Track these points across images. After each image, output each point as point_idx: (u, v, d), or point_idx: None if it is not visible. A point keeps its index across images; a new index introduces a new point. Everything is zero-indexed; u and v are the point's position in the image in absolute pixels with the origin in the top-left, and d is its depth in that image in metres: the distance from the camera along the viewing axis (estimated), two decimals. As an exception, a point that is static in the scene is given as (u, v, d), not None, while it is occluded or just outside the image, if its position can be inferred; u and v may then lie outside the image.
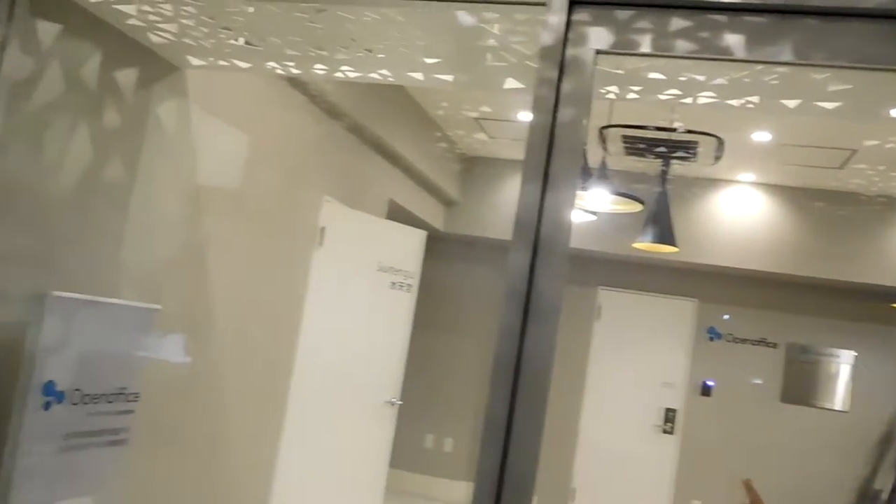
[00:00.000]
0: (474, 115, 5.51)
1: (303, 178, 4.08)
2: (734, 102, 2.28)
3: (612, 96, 2.39)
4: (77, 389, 2.26)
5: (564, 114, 1.64)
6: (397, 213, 5.46)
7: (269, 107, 3.61)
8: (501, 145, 6.28)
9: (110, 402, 2.41)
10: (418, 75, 2.52)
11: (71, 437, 2.27)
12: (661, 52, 1.65)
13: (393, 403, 4.86)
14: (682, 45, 1.65)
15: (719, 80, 2.14)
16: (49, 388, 2.15)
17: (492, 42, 2.16)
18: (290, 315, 4.10)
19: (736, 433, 6.57)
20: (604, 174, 4.06)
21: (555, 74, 1.63)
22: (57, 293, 2.16)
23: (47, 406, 2.16)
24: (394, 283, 4.85)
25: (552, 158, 1.63)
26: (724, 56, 1.65)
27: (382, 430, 4.85)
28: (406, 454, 6.33)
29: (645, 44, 1.65)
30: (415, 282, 4.99)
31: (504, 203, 6.43)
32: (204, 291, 3.28)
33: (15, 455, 2.07)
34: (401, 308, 4.92)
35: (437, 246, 5.75)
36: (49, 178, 2.29)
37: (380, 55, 2.38)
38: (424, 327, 5.58)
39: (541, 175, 1.61)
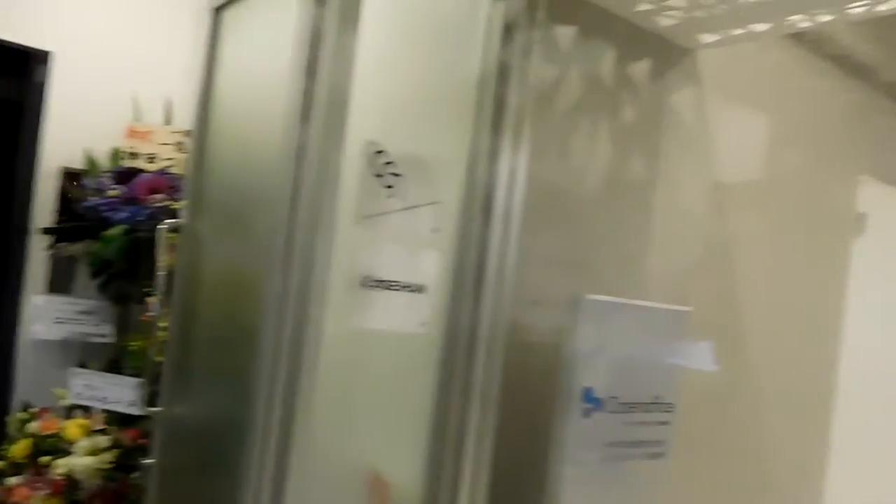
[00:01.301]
0: None
1: (833, 157, 3.48)
2: None
3: None
4: (614, 397, 2.18)
5: None
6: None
7: (787, 79, 3.15)
8: None
9: (646, 411, 2.29)
10: None
11: (610, 446, 2.20)
12: None
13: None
14: None
15: None
16: (588, 395, 2.12)
17: None
18: (829, 316, 3.53)
19: None
20: None
21: None
22: (591, 296, 2.12)
23: (587, 413, 2.12)
24: (963, 275, 3.84)
25: None
26: None
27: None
28: None
29: None
30: None
31: None
32: (730, 292, 2.99)
33: (562, 462, 2.07)
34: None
35: None
36: (576, 181, 2.29)
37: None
38: None
39: None
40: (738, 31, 2.38)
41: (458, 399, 1.94)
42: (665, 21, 2.34)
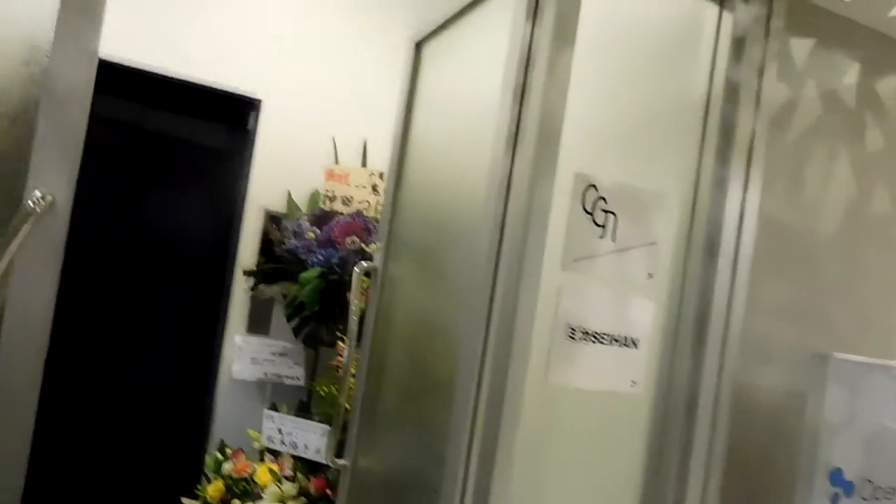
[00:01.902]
0: None
1: None
2: None
3: None
4: (868, 481, 1.80)
5: None
6: None
7: None
8: None
9: (906, 498, 1.87)
10: None
11: (864, 538, 1.81)
12: None
13: None
14: None
15: None
16: (837, 477, 1.76)
17: None
18: None
19: None
20: None
21: None
22: (839, 355, 1.78)
23: (835, 499, 1.76)
24: None
25: None
26: None
27: None
28: None
29: None
30: None
31: None
32: None
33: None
34: None
35: None
36: (812, 218, 1.97)
37: None
38: None
39: None
40: None
41: (674, 469, 1.69)
42: (922, 29, 1.98)
